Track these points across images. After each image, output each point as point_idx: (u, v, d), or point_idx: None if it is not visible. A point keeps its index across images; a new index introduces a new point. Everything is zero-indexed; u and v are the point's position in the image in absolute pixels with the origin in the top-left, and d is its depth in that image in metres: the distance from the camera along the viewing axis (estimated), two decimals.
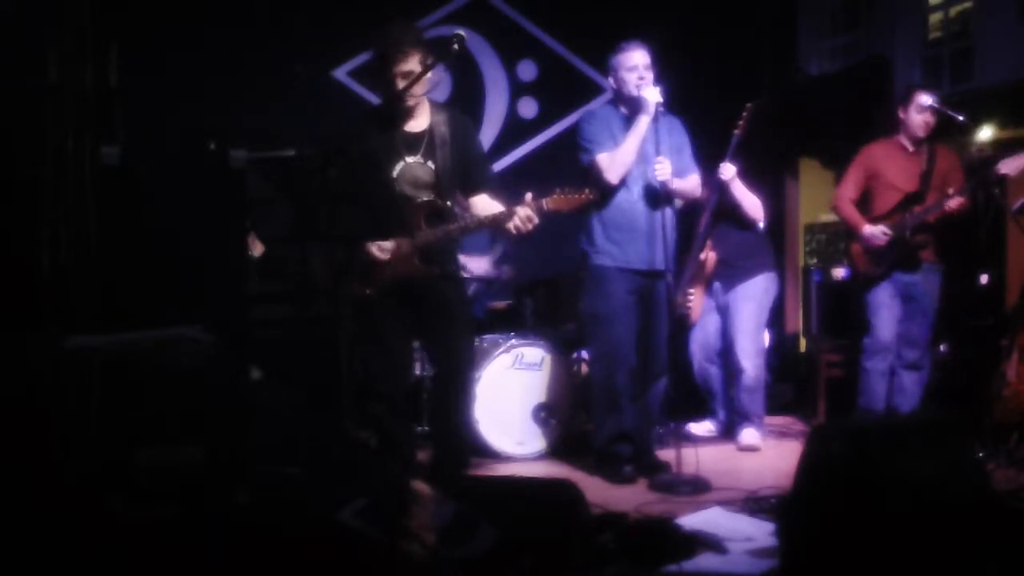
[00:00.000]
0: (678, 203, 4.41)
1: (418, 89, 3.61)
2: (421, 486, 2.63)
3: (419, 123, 3.72)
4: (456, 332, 3.77)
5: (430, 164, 3.68)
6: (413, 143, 3.69)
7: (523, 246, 4.93)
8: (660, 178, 4.00)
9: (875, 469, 2.16)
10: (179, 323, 2.36)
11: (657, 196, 4.08)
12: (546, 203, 3.54)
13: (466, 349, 3.85)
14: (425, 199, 3.67)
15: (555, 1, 6.27)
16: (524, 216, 3.51)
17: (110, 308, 3.18)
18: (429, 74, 3.62)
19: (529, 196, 3.54)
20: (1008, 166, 4.31)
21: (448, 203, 3.68)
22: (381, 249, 3.64)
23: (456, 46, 3.50)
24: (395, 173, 3.67)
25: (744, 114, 4.43)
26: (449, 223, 3.65)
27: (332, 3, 5.59)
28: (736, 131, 4.48)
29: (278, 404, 4.12)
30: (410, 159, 3.68)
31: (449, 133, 3.71)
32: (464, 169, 3.73)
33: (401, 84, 3.56)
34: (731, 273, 4.92)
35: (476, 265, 5.05)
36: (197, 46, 5.21)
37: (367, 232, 3.66)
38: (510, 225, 3.54)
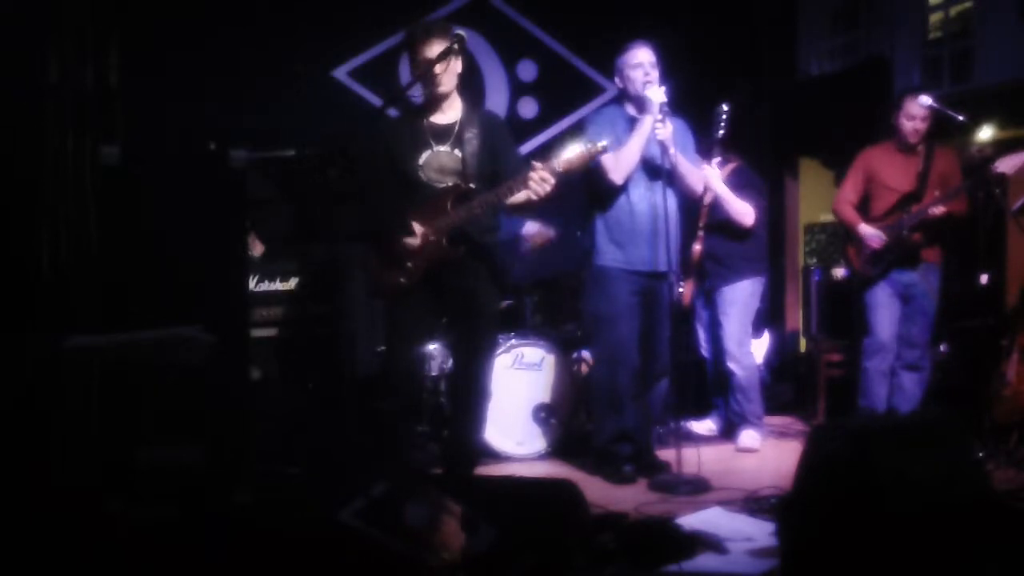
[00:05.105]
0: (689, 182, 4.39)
1: (447, 79, 3.63)
2: (450, 501, 2.63)
3: (449, 116, 3.75)
4: (476, 326, 3.78)
5: (457, 152, 3.69)
6: (442, 133, 3.72)
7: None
8: (660, 137, 3.98)
9: (875, 469, 2.16)
10: (179, 323, 2.35)
11: (660, 196, 4.06)
12: (558, 164, 3.49)
13: (484, 346, 3.84)
14: (450, 184, 3.68)
15: (555, 1, 6.27)
16: (539, 177, 3.45)
17: (110, 308, 3.17)
18: (455, 64, 3.64)
19: (537, 163, 3.49)
20: (1006, 164, 4.31)
21: (472, 186, 3.67)
22: (410, 236, 3.65)
23: (456, 46, 3.50)
24: (421, 161, 3.69)
25: (723, 116, 4.48)
26: (473, 203, 3.64)
27: (332, 3, 5.59)
28: (717, 134, 4.52)
29: (280, 405, 4.13)
30: (438, 148, 3.69)
31: (480, 126, 3.72)
32: (495, 162, 3.72)
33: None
34: (719, 272, 4.93)
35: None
36: (197, 46, 5.20)
37: (393, 223, 3.67)
38: (526, 193, 3.49)
